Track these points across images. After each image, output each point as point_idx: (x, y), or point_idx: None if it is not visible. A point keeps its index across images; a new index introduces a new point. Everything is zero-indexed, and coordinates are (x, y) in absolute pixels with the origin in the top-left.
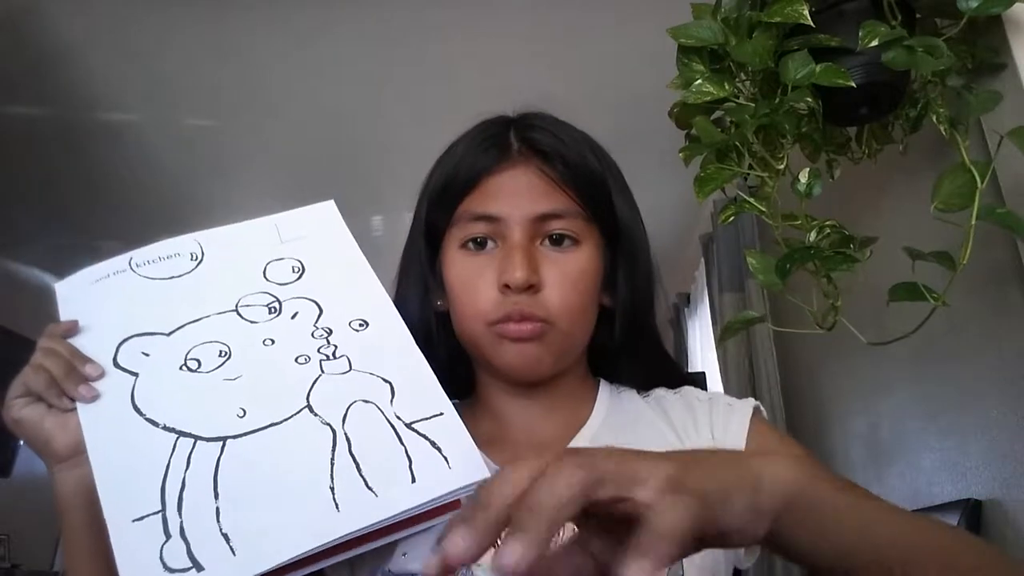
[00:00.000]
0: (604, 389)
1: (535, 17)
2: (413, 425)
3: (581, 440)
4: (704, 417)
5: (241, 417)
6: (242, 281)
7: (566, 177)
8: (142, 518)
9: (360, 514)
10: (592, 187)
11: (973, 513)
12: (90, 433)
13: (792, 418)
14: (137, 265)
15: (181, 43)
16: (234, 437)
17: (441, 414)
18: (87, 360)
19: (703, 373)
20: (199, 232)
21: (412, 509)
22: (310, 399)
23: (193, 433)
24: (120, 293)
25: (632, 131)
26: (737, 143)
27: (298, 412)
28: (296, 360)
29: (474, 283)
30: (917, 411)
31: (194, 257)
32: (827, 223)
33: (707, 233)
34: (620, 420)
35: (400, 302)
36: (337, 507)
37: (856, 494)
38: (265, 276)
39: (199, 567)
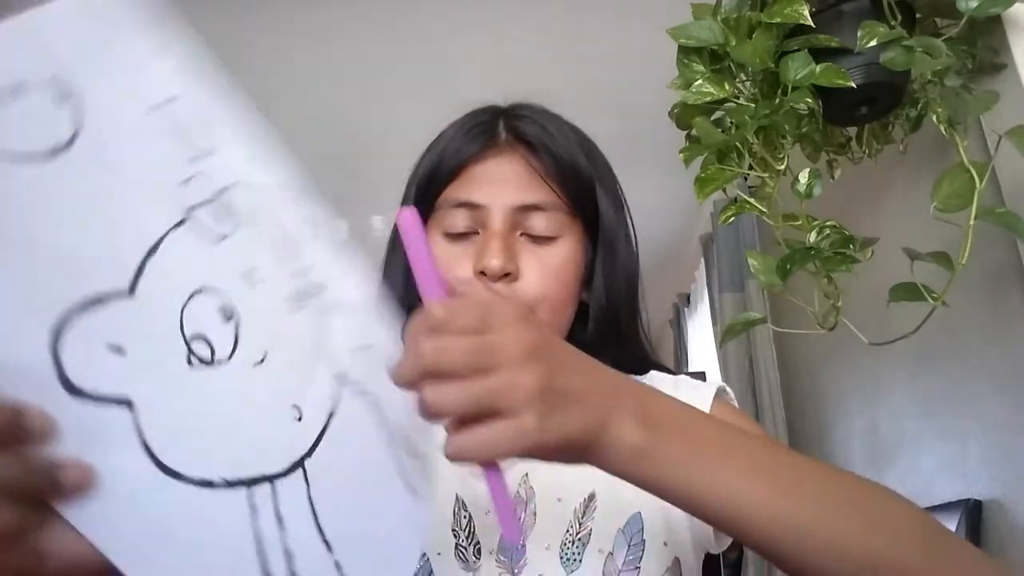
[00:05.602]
0: None
1: (535, 17)
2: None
3: None
4: None
5: (299, 420)
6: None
7: (551, 169)
8: None
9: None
10: (577, 182)
11: (973, 513)
12: (108, 543)
13: (792, 418)
14: None
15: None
16: (308, 455)
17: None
18: (62, 464)
19: (703, 373)
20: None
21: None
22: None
23: (266, 474)
24: None
25: (632, 132)
26: (737, 143)
27: (341, 400)
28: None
29: (451, 270)
30: (917, 411)
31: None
32: (827, 223)
33: (707, 233)
34: None
35: (384, 292)
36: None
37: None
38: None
39: None
